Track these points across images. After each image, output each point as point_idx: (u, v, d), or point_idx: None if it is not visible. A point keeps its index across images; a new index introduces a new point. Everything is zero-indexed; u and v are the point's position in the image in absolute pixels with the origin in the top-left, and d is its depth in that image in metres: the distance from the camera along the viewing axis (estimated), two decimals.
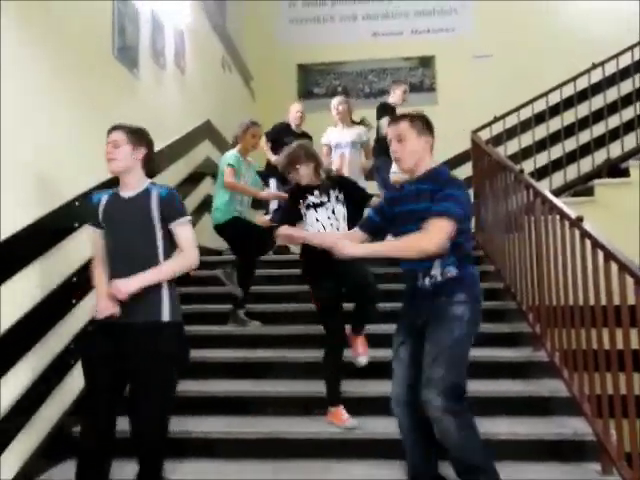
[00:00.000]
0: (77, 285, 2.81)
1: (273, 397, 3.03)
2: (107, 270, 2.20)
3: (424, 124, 2.19)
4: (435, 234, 1.99)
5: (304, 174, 2.94)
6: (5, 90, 2.34)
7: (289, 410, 2.94)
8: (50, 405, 2.62)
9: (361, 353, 3.00)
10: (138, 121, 3.70)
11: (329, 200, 2.93)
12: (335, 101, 4.82)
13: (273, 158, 4.62)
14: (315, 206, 2.93)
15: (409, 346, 2.17)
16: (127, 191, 2.22)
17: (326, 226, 2.91)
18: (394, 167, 4.07)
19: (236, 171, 3.75)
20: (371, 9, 7.52)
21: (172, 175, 4.39)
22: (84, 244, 2.71)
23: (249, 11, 7.34)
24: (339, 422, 2.75)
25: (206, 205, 5.11)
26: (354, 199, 3.00)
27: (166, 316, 2.12)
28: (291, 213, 2.97)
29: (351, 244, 2.13)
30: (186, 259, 2.18)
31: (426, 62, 7.40)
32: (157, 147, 4.00)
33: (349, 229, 2.81)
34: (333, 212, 2.93)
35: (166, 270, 2.14)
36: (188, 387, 2.90)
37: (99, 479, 2.09)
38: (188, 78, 4.96)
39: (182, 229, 2.19)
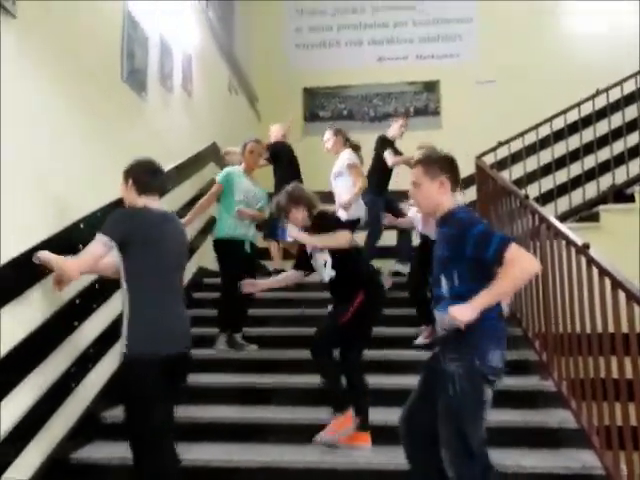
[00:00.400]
0: (80, 307, 2.80)
1: (275, 424, 2.98)
2: None
3: (441, 165, 2.14)
4: (524, 259, 1.97)
5: (297, 218, 3.00)
6: (13, 112, 2.35)
7: (291, 438, 2.88)
8: (51, 428, 2.59)
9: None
10: (145, 143, 3.79)
11: (313, 250, 3.00)
12: (325, 135, 4.67)
13: None
14: (311, 256, 3.02)
15: (423, 378, 2.18)
16: None
17: (321, 273, 2.99)
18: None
19: (225, 187, 3.86)
20: (376, 35, 7.61)
21: (178, 197, 4.40)
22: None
23: (256, 35, 7.45)
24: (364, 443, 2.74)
25: (210, 227, 5.13)
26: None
27: (124, 348, 2.16)
28: (300, 262, 3.12)
29: (457, 308, 1.94)
30: (66, 264, 2.22)
31: (430, 87, 7.46)
32: (164, 169, 4.12)
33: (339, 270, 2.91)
34: (318, 260, 2.98)
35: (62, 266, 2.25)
36: (187, 413, 2.86)
37: None
38: (195, 101, 5.00)
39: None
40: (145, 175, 2.33)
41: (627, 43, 6.52)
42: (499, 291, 1.96)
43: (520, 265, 1.94)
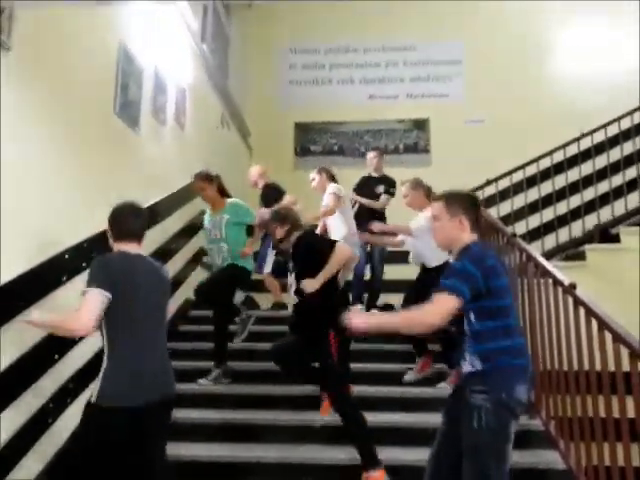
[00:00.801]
0: (60, 340, 2.75)
1: (262, 463, 2.92)
2: None
3: (462, 204, 2.16)
4: (435, 309, 1.97)
5: (282, 236, 3.11)
6: (5, 146, 2.37)
7: (278, 478, 2.82)
8: (29, 460, 2.52)
9: None
10: (136, 176, 3.82)
11: (288, 272, 3.13)
12: (312, 174, 4.58)
13: None
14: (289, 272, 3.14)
15: (444, 427, 2.13)
16: None
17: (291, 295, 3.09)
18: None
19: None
20: (368, 74, 7.82)
21: (167, 227, 4.41)
22: (71, 298, 2.67)
23: (250, 71, 7.62)
24: None
25: (199, 257, 5.13)
26: (305, 262, 3.01)
27: (94, 397, 2.08)
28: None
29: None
30: (72, 316, 2.05)
31: (420, 125, 7.63)
32: (154, 200, 4.15)
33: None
34: (290, 282, 3.10)
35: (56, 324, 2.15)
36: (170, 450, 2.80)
37: None
38: (187, 134, 5.07)
39: (83, 298, 2.07)
40: (122, 220, 2.28)
41: (610, 86, 6.78)
42: (403, 322, 2.07)
43: (427, 314, 1.98)
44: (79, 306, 2.04)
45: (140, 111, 3.95)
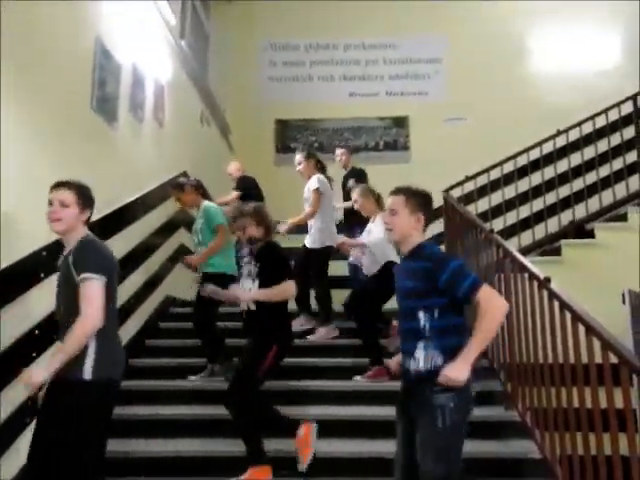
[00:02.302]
0: (39, 338, 2.73)
1: (224, 457, 2.95)
2: None
3: (420, 202, 2.18)
4: (495, 300, 2.02)
5: (252, 235, 3.05)
6: None
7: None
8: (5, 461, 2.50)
9: None
10: (113, 172, 3.79)
11: (243, 273, 3.10)
12: (297, 158, 4.53)
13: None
14: (240, 280, 3.14)
15: (401, 426, 2.13)
16: (66, 250, 2.21)
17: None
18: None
19: None
20: (348, 71, 7.85)
21: (146, 225, 4.39)
22: (49, 296, 2.65)
23: (230, 67, 7.59)
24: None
25: (179, 255, 5.11)
26: (267, 275, 2.97)
27: (88, 374, 2.06)
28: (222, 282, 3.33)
29: (452, 368, 1.96)
30: (84, 321, 2.03)
31: (400, 122, 7.69)
32: (133, 197, 4.13)
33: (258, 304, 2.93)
34: (243, 286, 3.03)
35: (68, 347, 2.03)
36: (133, 447, 2.85)
37: None
38: (166, 131, 5.04)
39: (82, 286, 2.05)
40: (92, 198, 2.25)
41: (586, 85, 6.94)
42: (486, 335, 2.01)
43: (494, 304, 2.00)
44: (84, 297, 2.04)
45: (118, 107, 3.92)
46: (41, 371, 2.02)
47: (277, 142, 7.72)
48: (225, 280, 3.63)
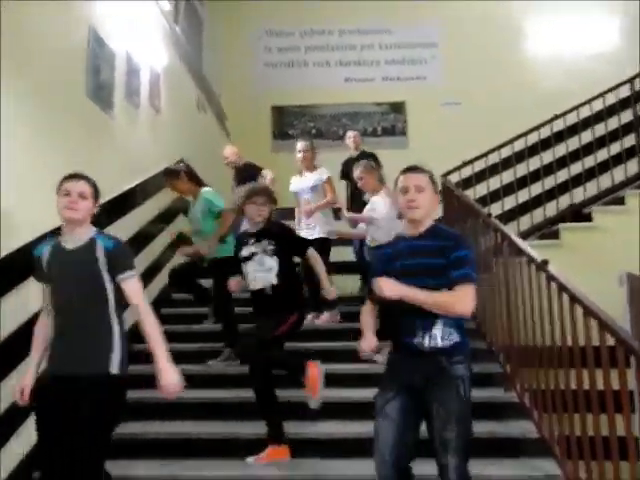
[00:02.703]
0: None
1: (220, 439, 3.00)
2: (54, 324, 2.18)
3: (437, 184, 2.26)
4: (469, 300, 2.04)
5: (261, 213, 3.02)
6: None
7: (235, 452, 2.89)
8: (5, 453, 2.53)
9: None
10: (110, 159, 3.79)
11: (257, 252, 3.01)
12: (299, 145, 4.58)
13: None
14: (245, 260, 3.04)
15: (399, 403, 2.09)
16: (72, 242, 2.18)
17: (256, 279, 3.00)
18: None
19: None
20: (344, 56, 7.81)
21: (143, 213, 4.39)
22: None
23: (225, 54, 7.54)
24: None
25: (180, 242, 5.11)
26: (293, 251, 3.06)
27: (115, 368, 2.09)
28: (232, 265, 3.16)
29: (388, 281, 2.04)
30: (147, 313, 2.16)
31: (397, 107, 7.67)
32: (130, 185, 4.13)
33: (282, 280, 2.95)
34: (262, 264, 2.99)
35: (158, 336, 2.15)
36: (130, 429, 2.89)
37: None
38: (162, 118, 5.02)
39: (128, 283, 2.16)
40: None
41: (583, 69, 6.92)
42: (438, 303, 2.04)
43: (466, 301, 2.04)
44: (136, 293, 2.16)
45: (113, 94, 3.91)
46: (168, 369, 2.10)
47: (274, 128, 7.70)
48: (230, 264, 3.71)
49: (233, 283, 3.11)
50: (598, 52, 7.17)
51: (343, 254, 4.92)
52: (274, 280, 2.97)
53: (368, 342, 2.16)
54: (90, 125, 3.56)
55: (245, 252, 3.04)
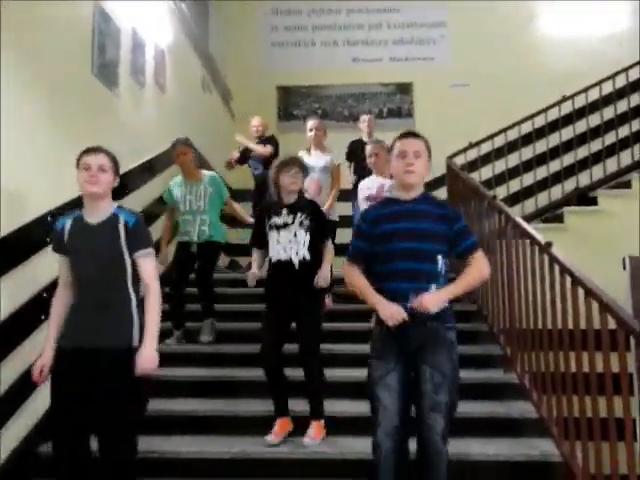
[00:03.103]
0: (47, 301, 2.77)
1: (243, 417, 3.03)
2: (72, 297, 2.21)
3: (430, 154, 2.27)
4: (486, 262, 2.22)
5: (295, 181, 2.93)
6: None
7: (259, 430, 2.91)
8: (16, 423, 2.57)
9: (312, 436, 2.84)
10: (115, 137, 3.78)
11: (293, 223, 2.91)
12: (312, 123, 4.64)
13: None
14: (278, 228, 2.92)
15: (398, 373, 2.11)
16: (94, 216, 2.20)
17: (286, 249, 2.89)
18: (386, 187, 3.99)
19: (168, 202, 4.13)
20: (351, 36, 7.71)
21: (148, 192, 4.39)
22: (54, 260, 2.68)
23: (231, 33, 7.45)
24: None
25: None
26: (318, 232, 2.96)
27: (135, 341, 2.13)
28: (259, 236, 3.03)
29: (431, 296, 2.05)
30: (156, 294, 2.18)
31: (404, 89, 7.59)
32: (134, 164, 4.12)
33: (312, 256, 2.89)
34: (295, 235, 2.90)
35: (156, 318, 2.17)
36: (157, 406, 2.88)
37: None
38: (167, 97, 5.00)
39: (145, 261, 2.19)
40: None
41: (592, 51, 6.80)
42: (470, 283, 2.20)
43: (483, 268, 2.20)
44: (151, 271, 2.20)
45: (118, 72, 3.88)
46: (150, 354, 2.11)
47: (279, 109, 7.64)
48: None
49: (252, 278, 2.99)
50: (608, 34, 7.04)
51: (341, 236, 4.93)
52: (307, 255, 2.89)
53: (396, 309, 2.07)
54: (95, 103, 3.55)
55: (279, 220, 2.92)
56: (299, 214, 2.92)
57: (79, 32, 3.36)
